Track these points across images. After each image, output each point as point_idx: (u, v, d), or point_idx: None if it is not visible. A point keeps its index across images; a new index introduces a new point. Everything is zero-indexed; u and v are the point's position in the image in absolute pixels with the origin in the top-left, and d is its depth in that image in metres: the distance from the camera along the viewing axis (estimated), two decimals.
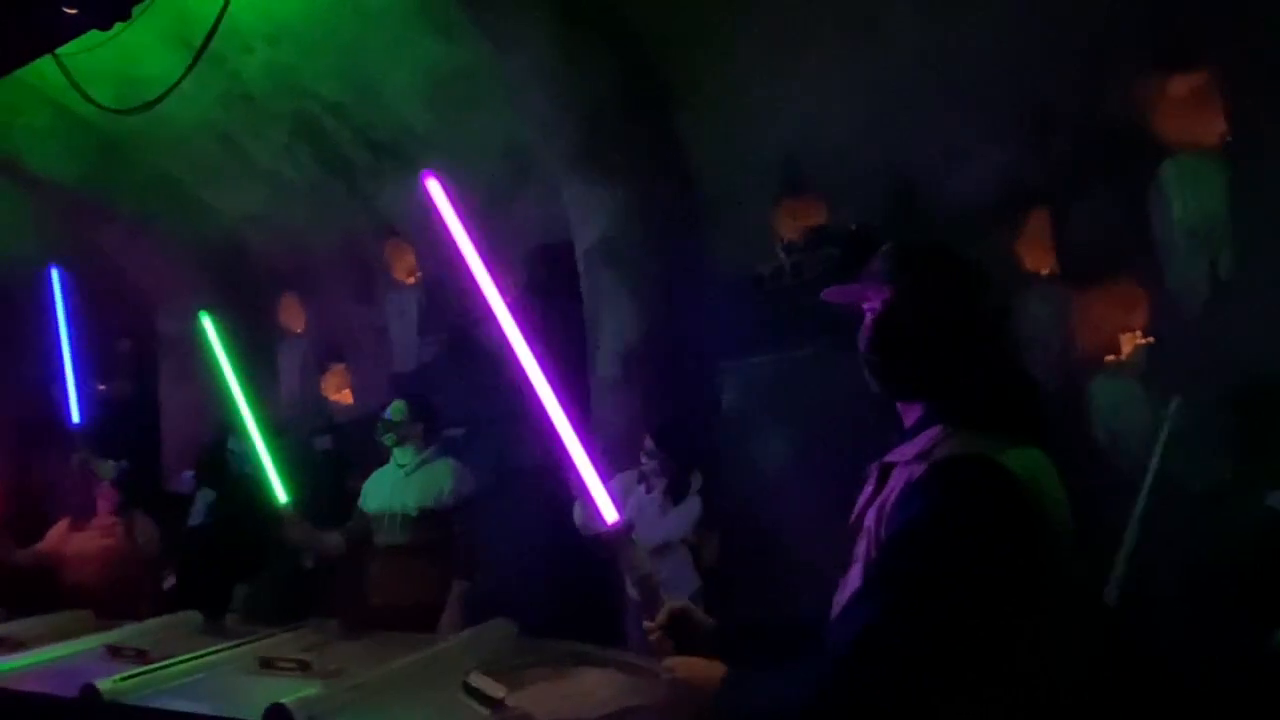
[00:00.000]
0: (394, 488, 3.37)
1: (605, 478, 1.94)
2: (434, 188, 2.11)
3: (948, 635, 1.02)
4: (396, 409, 3.42)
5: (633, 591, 2.94)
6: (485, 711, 2.00)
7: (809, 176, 3.88)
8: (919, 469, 1.10)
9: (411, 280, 5.39)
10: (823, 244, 3.79)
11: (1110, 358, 3.32)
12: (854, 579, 1.17)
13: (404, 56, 4.52)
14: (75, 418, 4.54)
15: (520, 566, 3.76)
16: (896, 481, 1.14)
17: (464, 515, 3.33)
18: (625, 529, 1.64)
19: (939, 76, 3.47)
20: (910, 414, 1.23)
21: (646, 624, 1.53)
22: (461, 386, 4.57)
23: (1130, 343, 3.28)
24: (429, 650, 2.61)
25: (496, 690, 2.02)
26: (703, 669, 1.32)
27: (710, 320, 4.02)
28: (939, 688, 1.03)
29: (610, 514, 1.75)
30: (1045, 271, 3.49)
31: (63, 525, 4.34)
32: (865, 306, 1.27)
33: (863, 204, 3.69)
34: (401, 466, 3.39)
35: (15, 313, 6.57)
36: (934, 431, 1.15)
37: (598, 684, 2.20)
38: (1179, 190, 3.08)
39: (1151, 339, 3.24)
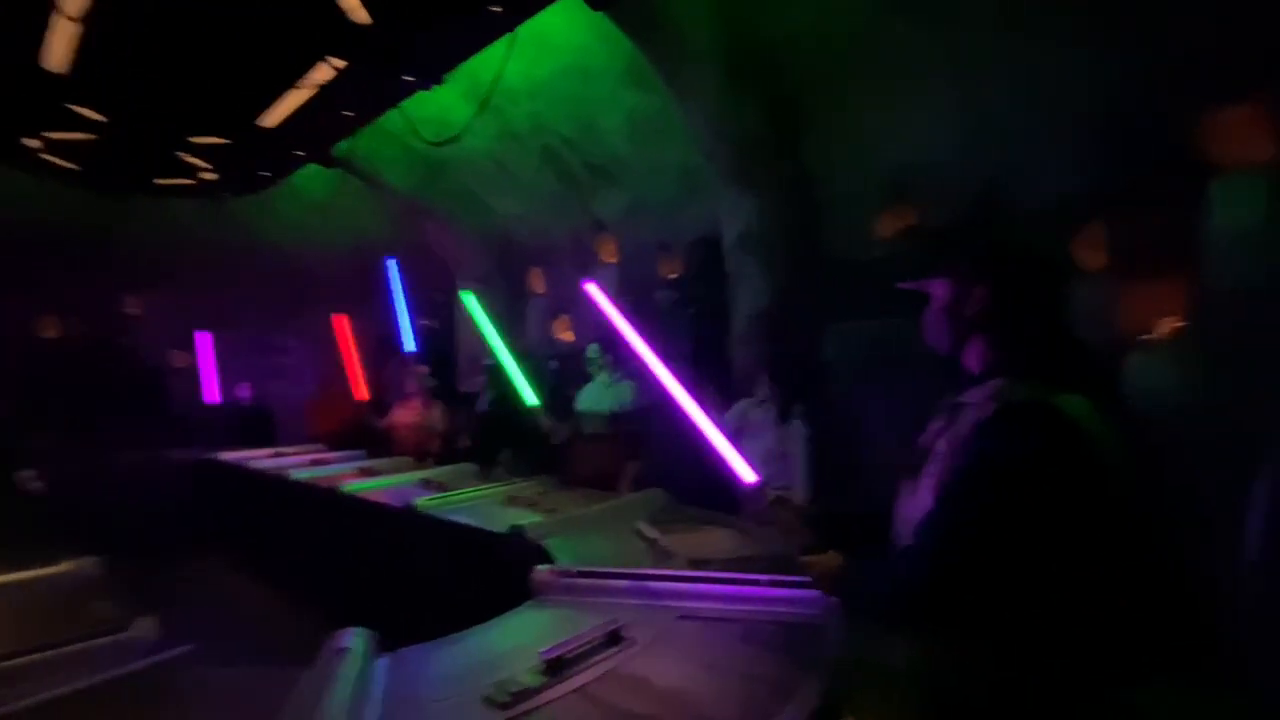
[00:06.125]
0: (596, 397, 3.53)
1: (740, 448, 1.77)
2: (592, 290, 2.28)
3: (1004, 545, 0.95)
4: (592, 349, 3.55)
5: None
6: (644, 546, 2.15)
7: (906, 186, 3.60)
8: (988, 409, 1.01)
9: (612, 260, 5.44)
10: (913, 240, 3.53)
11: (1147, 337, 2.92)
12: (924, 492, 1.07)
13: (614, 105, 4.54)
14: (410, 346, 5.16)
15: (672, 454, 3.54)
16: (968, 418, 1.04)
17: (638, 418, 3.41)
18: (761, 486, 1.54)
19: (1023, 106, 3.09)
20: (976, 364, 1.12)
21: (770, 510, 1.45)
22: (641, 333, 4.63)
23: (1167, 325, 2.87)
24: (611, 502, 2.78)
25: (653, 533, 2.19)
26: (825, 560, 1.28)
27: (819, 294, 3.84)
28: (995, 583, 0.96)
29: (748, 476, 1.63)
30: (1099, 266, 3.06)
31: (399, 405, 4.83)
32: (934, 295, 1.17)
33: (948, 210, 3.38)
34: (601, 384, 3.51)
35: (375, 275, 7.12)
36: (999, 381, 1.06)
37: (721, 538, 2.27)
38: (1226, 203, 2.64)
39: (1185, 324, 2.82)
